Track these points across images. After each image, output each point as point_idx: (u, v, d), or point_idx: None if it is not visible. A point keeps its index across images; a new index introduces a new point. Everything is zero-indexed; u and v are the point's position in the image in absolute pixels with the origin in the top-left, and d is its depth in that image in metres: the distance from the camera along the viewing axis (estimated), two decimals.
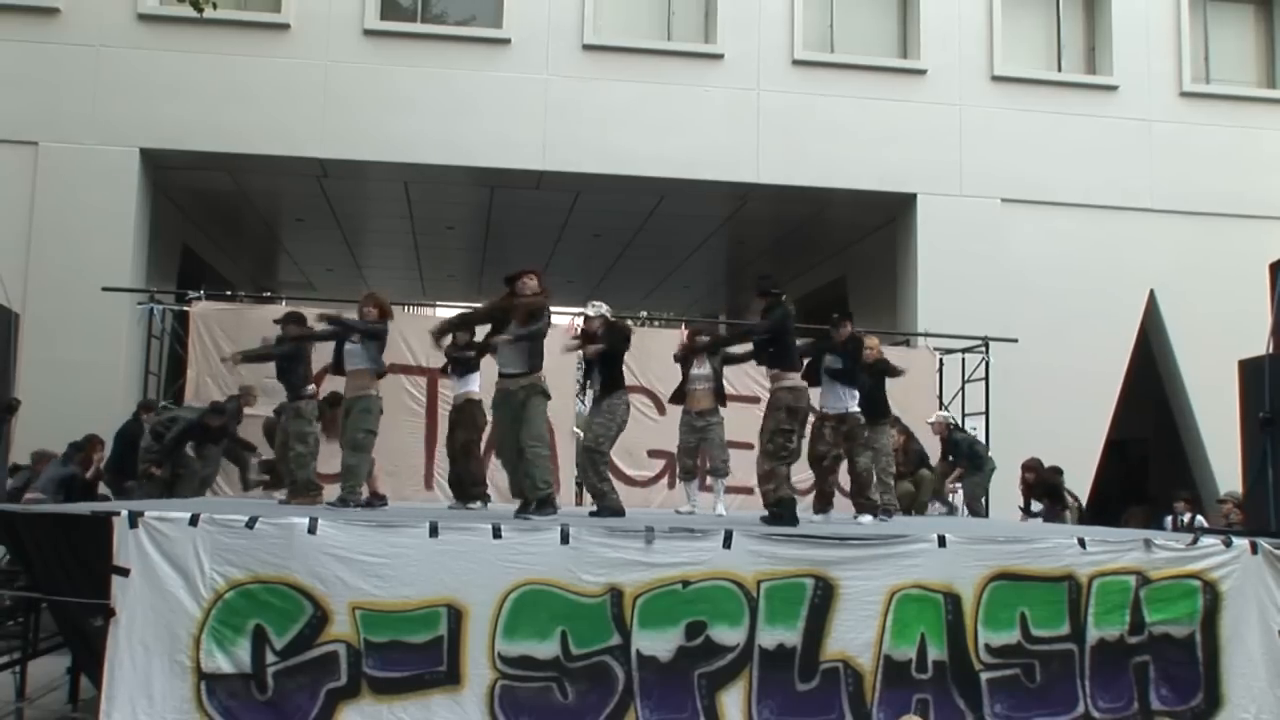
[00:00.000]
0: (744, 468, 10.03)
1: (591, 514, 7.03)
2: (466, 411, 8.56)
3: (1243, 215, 13.92)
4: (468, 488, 8.56)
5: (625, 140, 13.01)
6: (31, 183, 12.04)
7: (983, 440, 11.79)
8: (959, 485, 11.97)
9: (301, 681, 5.28)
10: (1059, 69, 14.65)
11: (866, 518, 8.03)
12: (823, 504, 8.29)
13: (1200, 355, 13.23)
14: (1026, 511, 11.34)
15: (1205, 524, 11.34)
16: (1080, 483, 13.01)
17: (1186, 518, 11.91)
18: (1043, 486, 11.03)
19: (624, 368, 7.92)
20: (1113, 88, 14.32)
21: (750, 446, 10.03)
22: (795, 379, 7.19)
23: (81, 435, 10.49)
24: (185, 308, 10.90)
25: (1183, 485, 14.09)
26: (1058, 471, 11.20)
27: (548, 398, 6.99)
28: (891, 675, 5.73)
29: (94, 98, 12.27)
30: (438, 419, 10.41)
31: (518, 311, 6.86)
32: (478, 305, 7.38)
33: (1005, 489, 12.06)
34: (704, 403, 8.94)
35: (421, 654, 5.37)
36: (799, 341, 7.62)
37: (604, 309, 7.79)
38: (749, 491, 10.44)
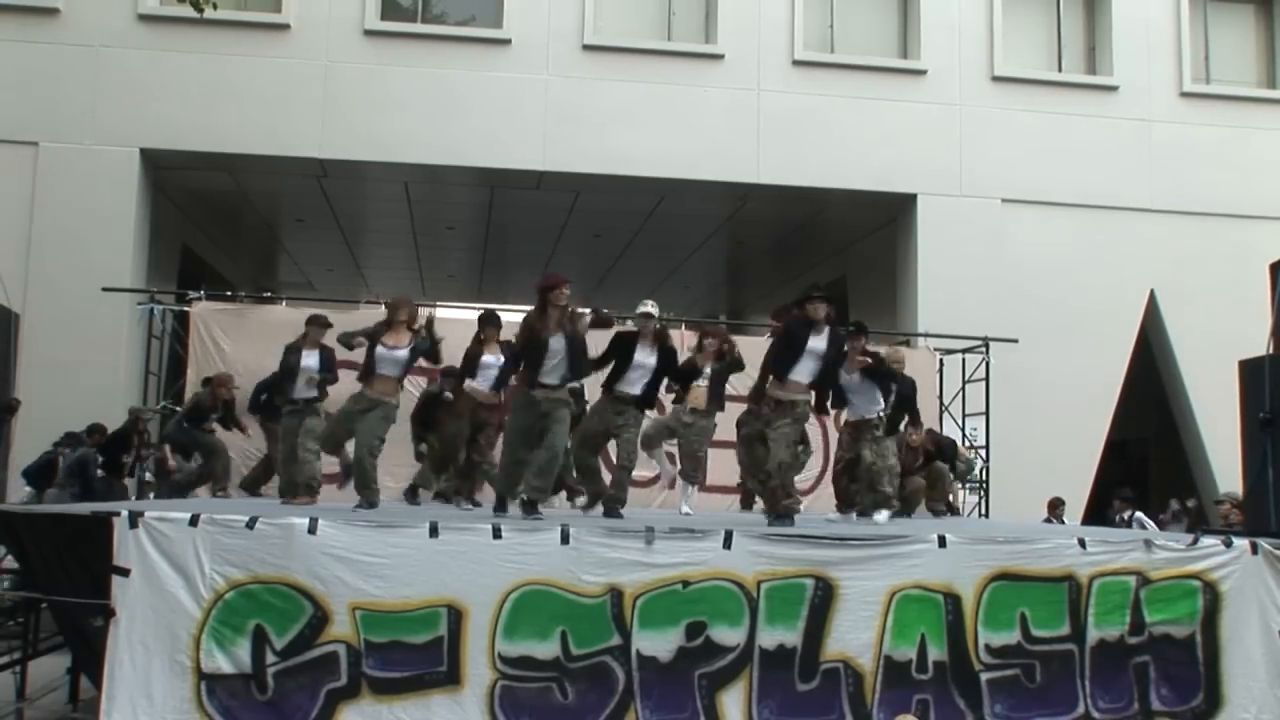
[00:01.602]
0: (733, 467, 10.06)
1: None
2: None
3: (1243, 215, 13.92)
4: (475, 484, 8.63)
5: (625, 140, 13.01)
6: (31, 183, 12.05)
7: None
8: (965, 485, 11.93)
9: (301, 681, 5.28)
10: (1059, 69, 14.65)
11: (882, 514, 8.02)
12: (844, 506, 8.42)
13: (1200, 355, 13.23)
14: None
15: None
16: (1080, 483, 13.02)
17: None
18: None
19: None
20: (1113, 88, 14.32)
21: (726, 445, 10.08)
22: None
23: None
24: (185, 308, 10.89)
25: (1183, 485, 14.12)
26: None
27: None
28: (892, 675, 5.73)
29: (94, 98, 12.28)
30: None
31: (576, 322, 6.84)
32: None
33: (1007, 491, 12.07)
34: (700, 401, 8.91)
35: (421, 654, 5.36)
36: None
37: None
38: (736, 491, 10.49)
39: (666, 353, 7.38)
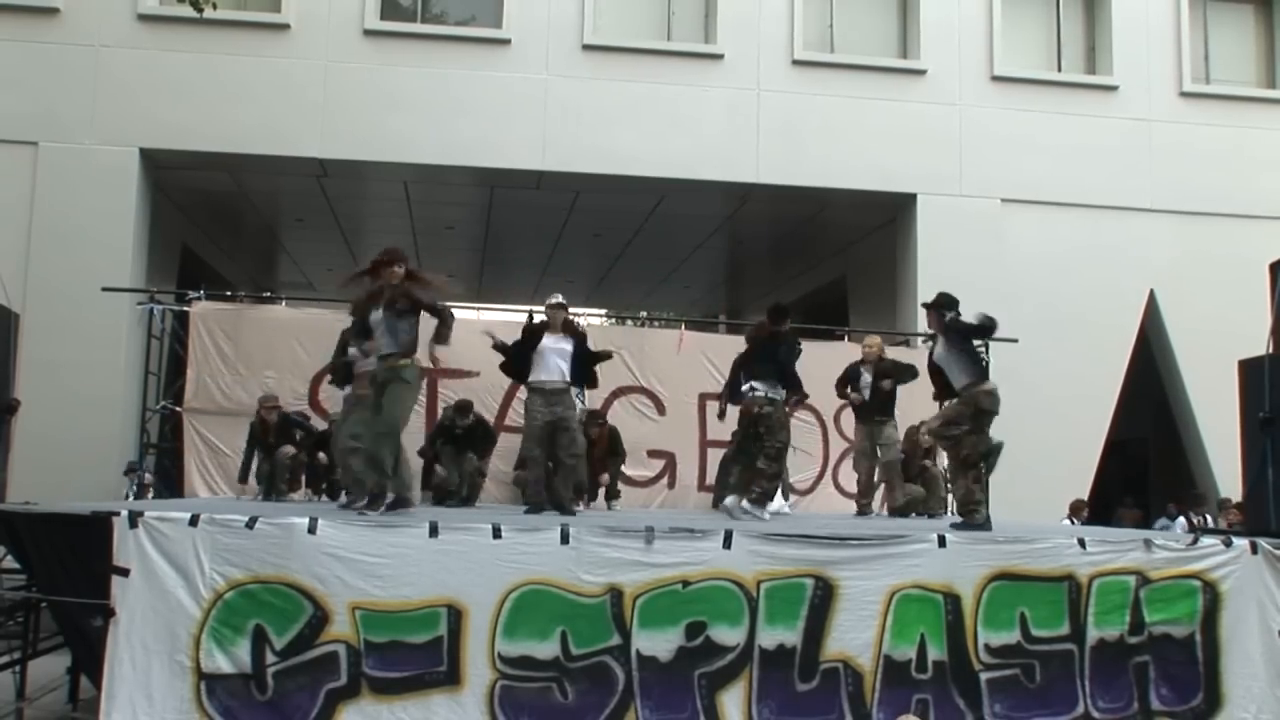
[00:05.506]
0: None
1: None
2: None
3: (1243, 215, 13.90)
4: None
5: (625, 140, 13.00)
6: (31, 183, 12.02)
7: None
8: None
9: (301, 681, 5.29)
10: (1059, 69, 14.64)
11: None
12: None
13: (1200, 355, 13.21)
14: None
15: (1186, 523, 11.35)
16: (1080, 483, 13.01)
17: (1189, 520, 11.90)
18: None
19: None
20: (1113, 88, 14.31)
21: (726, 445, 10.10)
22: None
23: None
24: (185, 308, 10.87)
25: (1182, 485, 14.11)
26: None
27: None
28: (891, 675, 5.73)
29: (94, 98, 12.26)
30: (436, 418, 10.40)
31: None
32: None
33: (1004, 489, 12.06)
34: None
35: (421, 654, 5.37)
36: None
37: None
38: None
39: (579, 339, 7.78)
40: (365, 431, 6.86)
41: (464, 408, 9.54)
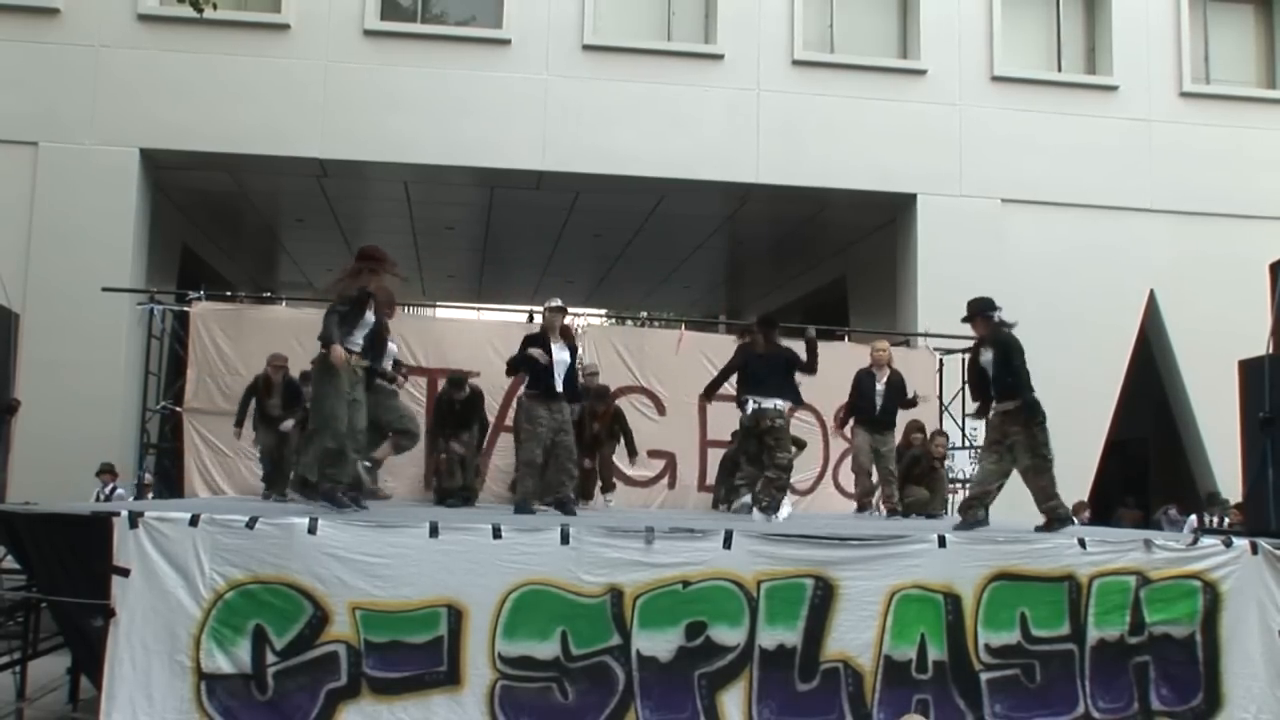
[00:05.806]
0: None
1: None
2: None
3: (1243, 215, 13.91)
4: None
5: (625, 140, 13.00)
6: (31, 183, 12.03)
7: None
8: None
9: (301, 682, 5.29)
10: (1059, 69, 14.64)
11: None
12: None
13: (1200, 355, 13.22)
14: None
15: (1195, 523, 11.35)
16: (1080, 483, 13.00)
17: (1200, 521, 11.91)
18: None
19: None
20: (1113, 88, 14.32)
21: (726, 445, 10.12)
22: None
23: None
24: (185, 308, 10.86)
25: (1183, 485, 14.11)
26: None
27: None
28: (891, 675, 5.74)
29: (94, 98, 12.27)
30: None
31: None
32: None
33: (1007, 491, 12.04)
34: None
35: (421, 654, 5.38)
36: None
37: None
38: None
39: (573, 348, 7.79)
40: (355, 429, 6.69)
41: (457, 382, 9.51)
